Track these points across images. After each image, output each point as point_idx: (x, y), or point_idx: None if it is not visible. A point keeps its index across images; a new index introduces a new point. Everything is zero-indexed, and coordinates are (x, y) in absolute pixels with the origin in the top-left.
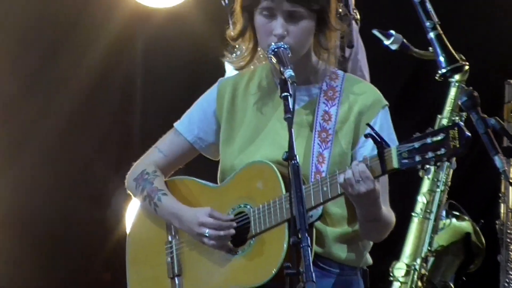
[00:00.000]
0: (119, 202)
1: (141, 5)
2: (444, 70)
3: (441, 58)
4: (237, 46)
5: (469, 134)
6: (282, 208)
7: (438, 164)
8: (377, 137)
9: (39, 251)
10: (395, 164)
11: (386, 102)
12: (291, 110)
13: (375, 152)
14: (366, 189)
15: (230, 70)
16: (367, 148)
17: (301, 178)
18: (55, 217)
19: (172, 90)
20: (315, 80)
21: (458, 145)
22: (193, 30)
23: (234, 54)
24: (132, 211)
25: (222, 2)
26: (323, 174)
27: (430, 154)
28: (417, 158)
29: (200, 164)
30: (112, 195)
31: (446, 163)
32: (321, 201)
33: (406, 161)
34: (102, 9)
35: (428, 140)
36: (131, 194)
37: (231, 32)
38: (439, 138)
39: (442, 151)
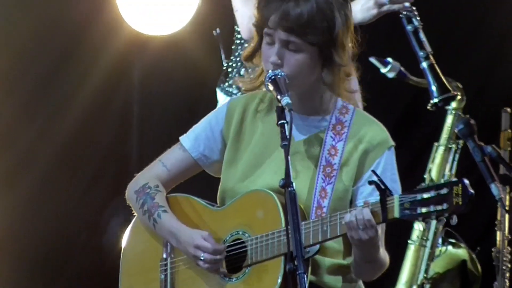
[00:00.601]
0: (116, 229)
1: (138, 32)
2: (435, 100)
3: (433, 88)
4: (235, 73)
5: (473, 192)
6: (280, 242)
7: (439, 218)
8: (381, 185)
9: (36, 277)
10: (396, 214)
11: (393, 143)
12: (287, 137)
13: (376, 192)
14: (369, 236)
15: (222, 99)
16: (368, 187)
17: (298, 205)
18: (52, 243)
19: (169, 118)
20: (323, 112)
21: (460, 203)
22: (190, 58)
23: (226, 83)
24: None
25: (214, 32)
26: (324, 210)
27: (432, 208)
28: (419, 211)
29: (200, 180)
30: (108, 222)
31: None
32: (319, 240)
33: (407, 212)
34: (100, 37)
35: (431, 193)
36: (130, 205)
37: (246, 51)
38: (442, 192)
39: (444, 206)
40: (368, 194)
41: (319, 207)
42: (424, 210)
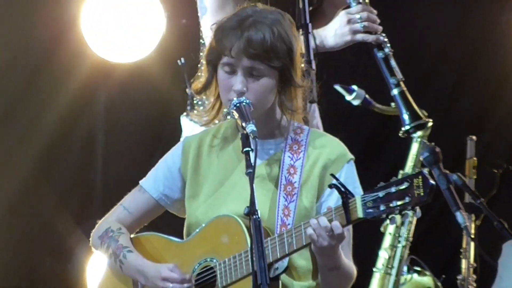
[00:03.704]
0: (80, 256)
1: (103, 59)
2: (407, 127)
3: (405, 115)
4: (199, 101)
5: (433, 182)
6: (248, 261)
7: (403, 212)
8: (341, 187)
9: None
10: (359, 213)
11: (351, 156)
12: (253, 165)
13: (340, 203)
14: (328, 243)
15: (191, 128)
16: (331, 201)
17: (263, 233)
18: (17, 271)
19: (134, 145)
20: (280, 134)
21: (422, 193)
22: (155, 85)
23: (195, 111)
24: (93, 266)
25: (178, 62)
26: (289, 227)
27: (394, 203)
28: (382, 207)
29: (166, 221)
30: (73, 249)
31: (410, 215)
32: (286, 252)
33: (371, 210)
34: (65, 63)
35: (393, 189)
36: (95, 251)
37: (196, 84)
38: (403, 186)
39: (407, 199)
40: None
41: (284, 225)
42: (387, 206)
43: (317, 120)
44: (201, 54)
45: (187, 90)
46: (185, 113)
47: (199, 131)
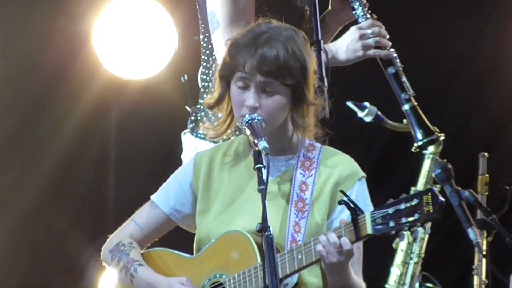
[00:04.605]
0: (92, 273)
1: (115, 76)
2: (420, 143)
3: (417, 131)
4: (201, 118)
5: (443, 199)
6: (257, 277)
7: (412, 229)
8: (350, 204)
9: None
10: (369, 230)
11: (363, 174)
12: (265, 181)
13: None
14: (337, 259)
15: (192, 145)
16: (342, 218)
17: (275, 250)
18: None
19: (146, 162)
20: (291, 151)
21: (431, 210)
22: (167, 102)
23: (207, 123)
24: (105, 283)
25: (182, 79)
26: (300, 244)
27: (404, 220)
28: (391, 224)
29: (176, 236)
30: (85, 266)
31: (420, 232)
32: (296, 268)
33: (380, 227)
34: (77, 81)
35: (402, 206)
36: (106, 265)
37: (209, 99)
38: (412, 203)
39: (416, 216)
40: None
41: (294, 241)
42: (396, 222)
43: None
44: (211, 70)
45: (188, 107)
46: (186, 130)
47: (203, 147)
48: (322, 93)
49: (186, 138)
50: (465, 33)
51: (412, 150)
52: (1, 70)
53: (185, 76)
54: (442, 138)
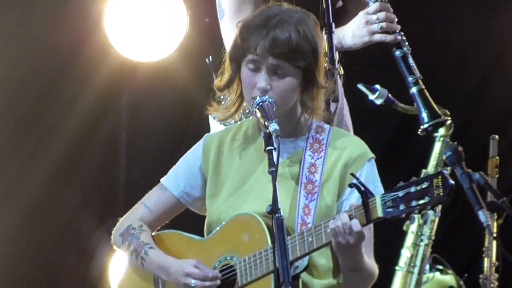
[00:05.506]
0: (103, 255)
1: (127, 59)
2: (426, 125)
3: (423, 113)
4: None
5: (453, 182)
6: (268, 260)
7: (423, 212)
8: (361, 187)
9: None
10: (379, 213)
11: (372, 155)
12: (275, 163)
13: (360, 202)
14: (347, 241)
15: (215, 127)
16: (352, 200)
17: (285, 231)
18: (39, 269)
19: (157, 144)
20: (301, 133)
21: (441, 193)
22: (179, 83)
23: (214, 106)
24: (115, 265)
25: (206, 60)
26: (309, 226)
27: (414, 203)
28: (402, 207)
29: (187, 218)
30: (95, 248)
31: (431, 214)
32: (306, 251)
33: (390, 210)
34: (88, 63)
35: (412, 189)
36: (117, 249)
37: (219, 81)
38: (423, 186)
39: (426, 199)
40: None
41: (304, 223)
42: (406, 205)
43: (346, 118)
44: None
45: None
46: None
47: None
48: (332, 76)
49: (213, 123)
50: (477, 15)
51: (419, 132)
52: (12, 52)
53: (210, 57)
54: (449, 121)
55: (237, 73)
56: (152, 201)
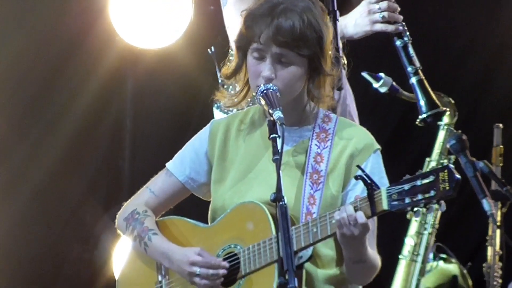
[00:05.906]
0: (107, 242)
1: (131, 46)
2: (424, 116)
3: (422, 103)
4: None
5: (459, 176)
6: (272, 249)
7: (428, 206)
8: (367, 179)
9: None
10: (384, 205)
11: (378, 146)
12: (279, 151)
13: (365, 194)
14: (352, 232)
15: (218, 116)
16: (357, 191)
17: (289, 219)
18: (44, 257)
19: (162, 131)
20: (307, 122)
21: (447, 188)
22: (183, 71)
23: (221, 93)
24: (120, 252)
25: (209, 50)
26: (314, 216)
27: (419, 196)
28: (407, 200)
29: (191, 204)
30: (100, 235)
31: (435, 205)
32: (311, 242)
33: (395, 203)
34: (93, 50)
35: (418, 182)
36: (121, 233)
37: (226, 69)
38: (428, 180)
39: (432, 193)
40: None
41: (309, 213)
42: (412, 199)
43: (351, 108)
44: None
45: (219, 79)
46: (219, 103)
47: None
48: (338, 64)
49: (217, 113)
50: (482, 4)
51: (417, 123)
52: (17, 40)
53: (212, 48)
54: (447, 112)
55: (244, 61)
56: (157, 186)
